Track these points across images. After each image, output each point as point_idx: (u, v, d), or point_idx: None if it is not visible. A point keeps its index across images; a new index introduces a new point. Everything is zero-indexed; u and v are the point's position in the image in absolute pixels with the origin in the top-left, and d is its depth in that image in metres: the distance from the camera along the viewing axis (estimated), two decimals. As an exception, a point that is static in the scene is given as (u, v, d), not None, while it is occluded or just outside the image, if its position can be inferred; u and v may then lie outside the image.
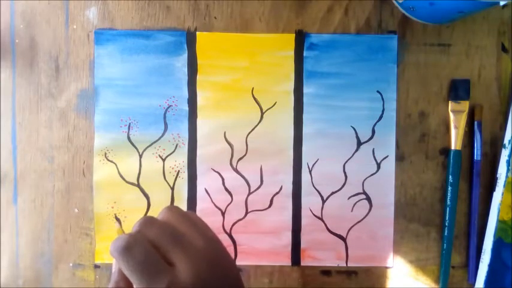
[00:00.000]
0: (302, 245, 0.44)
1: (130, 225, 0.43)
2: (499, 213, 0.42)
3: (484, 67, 0.44)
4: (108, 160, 0.44)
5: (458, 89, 0.43)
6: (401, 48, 0.44)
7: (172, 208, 0.31)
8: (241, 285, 0.31)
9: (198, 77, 0.44)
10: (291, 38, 0.44)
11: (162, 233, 0.29)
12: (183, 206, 0.44)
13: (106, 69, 0.44)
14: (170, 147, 0.44)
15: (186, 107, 0.44)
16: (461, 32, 0.44)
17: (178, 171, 0.44)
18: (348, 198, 0.44)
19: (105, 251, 0.44)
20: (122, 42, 0.43)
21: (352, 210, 0.44)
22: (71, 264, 0.44)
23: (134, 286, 0.28)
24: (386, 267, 0.44)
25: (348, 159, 0.44)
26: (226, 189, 0.44)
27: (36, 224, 0.44)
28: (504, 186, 0.41)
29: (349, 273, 0.44)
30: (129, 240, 0.28)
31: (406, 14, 0.42)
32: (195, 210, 0.44)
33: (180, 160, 0.44)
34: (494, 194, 0.42)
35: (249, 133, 0.44)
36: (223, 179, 0.44)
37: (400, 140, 0.44)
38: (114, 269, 0.30)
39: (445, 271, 0.43)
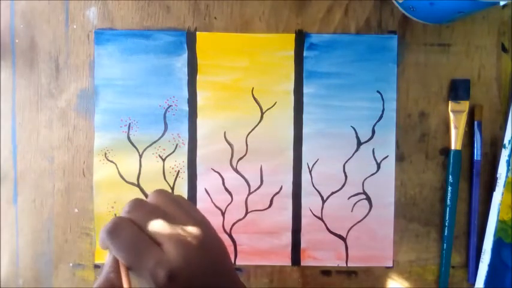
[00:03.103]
0: (302, 245, 0.44)
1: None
2: (499, 213, 0.42)
3: (484, 67, 0.44)
4: (108, 160, 0.44)
5: (458, 89, 0.43)
6: (401, 48, 0.44)
7: (161, 191, 0.31)
8: (232, 268, 0.31)
9: (198, 77, 0.44)
10: (291, 38, 0.44)
11: (150, 215, 0.29)
12: (183, 206, 0.44)
13: (106, 69, 0.44)
14: (170, 147, 0.44)
15: (186, 107, 0.44)
16: (461, 32, 0.44)
17: (178, 171, 0.44)
18: (348, 198, 0.44)
19: (105, 251, 0.44)
20: (122, 42, 0.43)
21: (352, 210, 0.44)
22: (71, 264, 0.44)
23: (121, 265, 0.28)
24: (387, 267, 0.44)
25: (348, 159, 0.44)
26: (226, 189, 0.44)
27: (36, 224, 0.44)
28: (504, 186, 0.41)
29: (349, 273, 0.44)
30: (116, 221, 0.28)
31: (406, 14, 0.42)
32: (195, 210, 0.44)
33: (180, 160, 0.44)
34: (494, 194, 0.42)
35: (249, 133, 0.44)
36: (223, 179, 0.44)
37: (400, 140, 0.44)
38: (107, 260, 0.29)
39: (445, 271, 0.43)
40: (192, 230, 0.29)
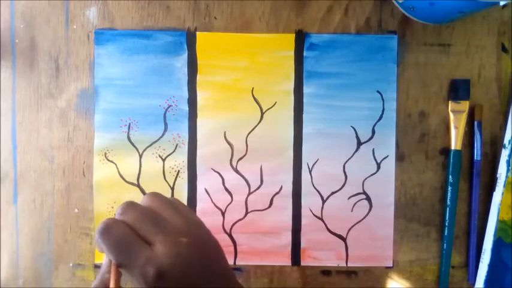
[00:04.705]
0: (302, 245, 0.44)
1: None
2: (499, 213, 0.42)
3: (484, 67, 0.44)
4: (108, 160, 0.44)
5: (458, 89, 0.43)
6: (401, 48, 0.44)
7: (154, 194, 0.32)
8: (227, 267, 0.31)
9: (198, 77, 0.44)
10: (291, 38, 0.44)
11: (142, 216, 0.29)
12: (183, 206, 0.44)
13: (106, 69, 0.44)
14: (170, 147, 0.44)
15: (186, 107, 0.44)
16: (461, 32, 0.44)
17: (178, 171, 0.44)
18: (348, 198, 0.44)
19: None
20: (122, 42, 0.43)
21: (352, 210, 0.44)
22: (71, 264, 0.44)
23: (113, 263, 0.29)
24: (387, 267, 0.44)
25: (348, 159, 0.44)
26: (226, 189, 0.44)
27: (36, 224, 0.44)
28: (504, 186, 0.41)
29: (349, 273, 0.44)
30: (107, 222, 0.29)
31: (406, 14, 0.42)
32: (195, 210, 0.44)
33: (180, 160, 0.44)
34: (494, 194, 0.42)
35: (249, 133, 0.44)
36: (223, 179, 0.44)
37: (400, 140, 0.44)
38: (103, 261, 0.30)
39: (445, 271, 0.43)
40: (184, 230, 0.29)
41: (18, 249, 0.44)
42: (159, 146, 0.44)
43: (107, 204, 0.44)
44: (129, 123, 0.44)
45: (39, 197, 0.44)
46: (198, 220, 0.32)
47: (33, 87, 0.44)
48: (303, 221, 0.44)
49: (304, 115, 0.44)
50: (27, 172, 0.44)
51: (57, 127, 0.44)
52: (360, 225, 0.44)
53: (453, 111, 0.43)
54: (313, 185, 0.44)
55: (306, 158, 0.44)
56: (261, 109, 0.44)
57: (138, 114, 0.44)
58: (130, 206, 0.30)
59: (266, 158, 0.44)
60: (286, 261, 0.44)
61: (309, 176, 0.44)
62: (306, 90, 0.44)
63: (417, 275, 0.44)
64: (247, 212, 0.44)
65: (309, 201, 0.44)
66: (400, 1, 0.41)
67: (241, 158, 0.44)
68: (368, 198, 0.44)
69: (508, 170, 0.41)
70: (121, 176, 0.44)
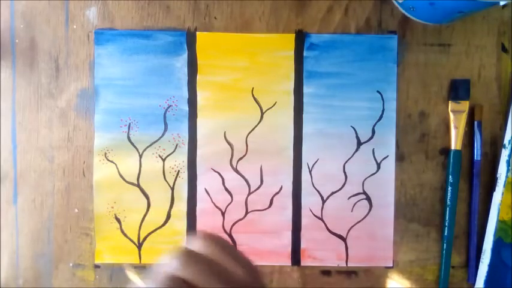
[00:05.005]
0: (302, 245, 0.44)
1: (131, 225, 0.44)
2: (499, 213, 0.42)
3: (484, 67, 0.44)
4: (108, 160, 0.44)
5: (458, 89, 0.43)
6: (401, 48, 0.44)
7: (208, 237, 0.29)
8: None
9: (198, 77, 0.44)
10: (291, 38, 0.44)
11: (201, 270, 0.26)
12: (183, 206, 0.44)
13: (106, 69, 0.44)
14: (170, 147, 0.44)
15: (186, 107, 0.44)
16: (461, 32, 0.44)
17: (178, 171, 0.44)
18: (348, 198, 0.44)
19: (105, 251, 0.44)
20: (122, 42, 0.43)
21: (352, 210, 0.44)
22: (71, 264, 0.44)
23: None
24: (387, 267, 0.44)
25: (348, 159, 0.44)
26: (226, 189, 0.44)
27: (36, 224, 0.44)
28: (504, 186, 0.41)
29: (349, 273, 0.44)
30: (168, 285, 0.26)
31: (406, 14, 0.42)
32: (195, 210, 0.44)
33: (180, 160, 0.44)
34: (494, 194, 0.42)
35: (249, 133, 0.44)
36: (223, 179, 0.44)
37: (400, 140, 0.44)
38: None
39: (445, 271, 0.43)
40: (244, 281, 0.27)
41: (18, 249, 0.44)
42: (159, 146, 0.44)
43: (107, 204, 0.44)
44: (129, 123, 0.44)
45: (39, 197, 0.44)
46: (253, 265, 0.30)
47: (33, 87, 0.44)
48: (303, 221, 0.44)
49: (304, 115, 0.44)
50: (27, 172, 0.44)
51: (57, 127, 0.44)
52: (360, 225, 0.44)
53: (453, 111, 0.43)
54: (313, 185, 0.44)
55: (306, 158, 0.44)
56: (261, 109, 0.44)
57: (138, 114, 0.44)
58: (188, 258, 0.27)
59: (266, 158, 0.44)
60: (286, 261, 0.44)
61: (309, 176, 0.44)
62: (306, 90, 0.44)
63: (417, 275, 0.44)
64: (247, 212, 0.44)
65: (309, 201, 0.44)
66: (400, 1, 0.41)
67: (241, 158, 0.44)
68: (368, 198, 0.44)
69: (508, 170, 0.41)
70: (121, 176, 0.44)
